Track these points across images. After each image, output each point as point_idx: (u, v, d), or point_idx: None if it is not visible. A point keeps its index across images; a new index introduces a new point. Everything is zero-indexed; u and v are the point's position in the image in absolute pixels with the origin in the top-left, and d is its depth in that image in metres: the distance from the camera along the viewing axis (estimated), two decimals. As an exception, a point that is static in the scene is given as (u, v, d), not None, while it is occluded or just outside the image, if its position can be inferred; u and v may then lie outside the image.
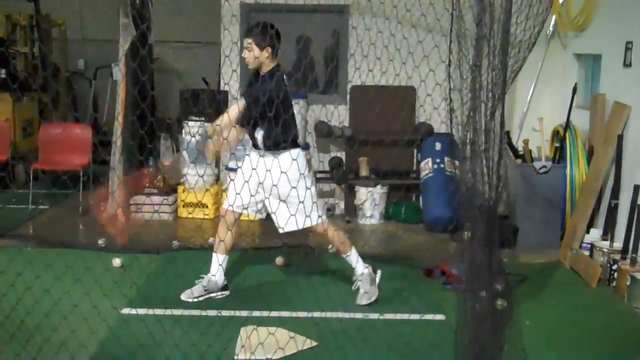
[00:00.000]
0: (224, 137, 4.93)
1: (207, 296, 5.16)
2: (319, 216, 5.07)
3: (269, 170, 4.65)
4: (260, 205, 5.17)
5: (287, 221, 4.95)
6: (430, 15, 4.62)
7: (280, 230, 5.08)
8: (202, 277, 5.22)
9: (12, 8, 9.97)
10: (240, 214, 5.19)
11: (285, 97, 4.87)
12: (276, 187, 4.67)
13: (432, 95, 4.66)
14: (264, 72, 5.00)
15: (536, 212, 6.73)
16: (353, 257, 5.24)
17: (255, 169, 4.81)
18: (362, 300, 5.18)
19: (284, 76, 5.01)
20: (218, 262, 5.17)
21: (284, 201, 4.80)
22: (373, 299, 5.18)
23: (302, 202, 4.64)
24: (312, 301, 4.71)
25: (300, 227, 5.03)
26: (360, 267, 5.24)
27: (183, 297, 5.13)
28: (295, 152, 4.96)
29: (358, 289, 5.23)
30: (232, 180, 5.05)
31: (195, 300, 5.11)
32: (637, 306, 5.31)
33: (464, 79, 4.23)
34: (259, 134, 4.98)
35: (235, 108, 5.10)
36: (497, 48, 4.38)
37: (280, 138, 4.88)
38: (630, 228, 5.69)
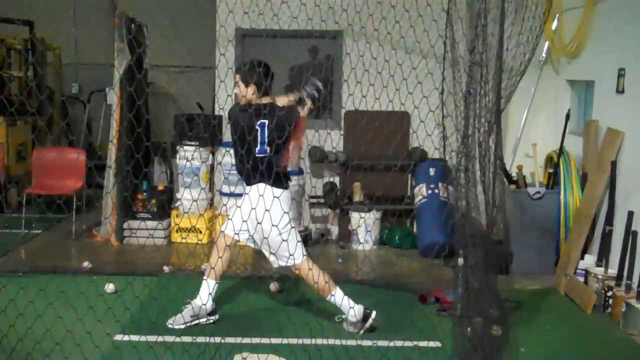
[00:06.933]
0: None
1: (195, 322, 5.12)
2: (303, 255, 5.09)
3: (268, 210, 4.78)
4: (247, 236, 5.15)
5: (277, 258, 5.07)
6: (424, 42, 4.63)
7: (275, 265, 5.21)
8: (188, 303, 5.18)
9: (6, 32, 10.00)
10: (232, 238, 5.15)
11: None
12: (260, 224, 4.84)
13: (425, 122, 4.66)
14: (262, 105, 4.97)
15: (530, 238, 6.72)
16: (337, 297, 5.08)
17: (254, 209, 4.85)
18: (349, 327, 5.13)
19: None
20: (208, 289, 5.13)
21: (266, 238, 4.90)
22: (362, 332, 5.10)
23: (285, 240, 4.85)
24: (304, 328, 4.67)
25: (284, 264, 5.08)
26: (346, 308, 5.09)
27: (170, 323, 5.08)
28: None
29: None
30: (229, 219, 5.14)
31: (184, 327, 5.06)
32: (632, 333, 5.28)
33: (457, 106, 4.25)
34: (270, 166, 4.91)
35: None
36: (490, 74, 4.41)
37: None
38: (624, 254, 5.68)
